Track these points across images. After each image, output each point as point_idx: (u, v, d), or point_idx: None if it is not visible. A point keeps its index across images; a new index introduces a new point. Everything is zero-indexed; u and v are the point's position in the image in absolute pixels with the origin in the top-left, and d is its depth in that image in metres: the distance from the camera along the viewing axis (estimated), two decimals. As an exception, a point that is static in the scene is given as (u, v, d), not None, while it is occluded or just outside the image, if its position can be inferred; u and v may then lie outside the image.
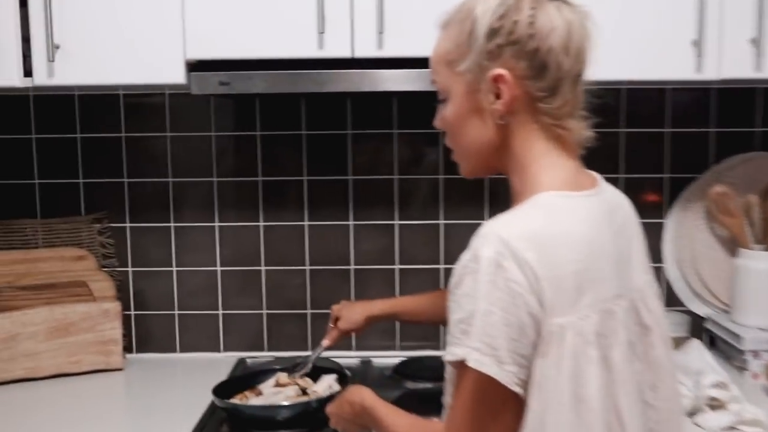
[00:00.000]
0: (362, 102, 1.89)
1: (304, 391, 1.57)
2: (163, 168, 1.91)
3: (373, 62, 1.53)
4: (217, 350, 1.96)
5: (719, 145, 1.89)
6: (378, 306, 1.56)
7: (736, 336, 1.74)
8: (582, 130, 1.00)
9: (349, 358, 1.88)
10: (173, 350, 1.96)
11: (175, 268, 1.94)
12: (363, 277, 1.94)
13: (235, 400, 1.54)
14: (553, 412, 0.87)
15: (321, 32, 1.52)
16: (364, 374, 1.80)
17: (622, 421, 0.92)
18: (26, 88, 1.60)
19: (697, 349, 1.66)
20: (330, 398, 1.37)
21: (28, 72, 1.55)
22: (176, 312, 1.96)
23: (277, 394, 1.55)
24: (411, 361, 1.86)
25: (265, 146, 1.91)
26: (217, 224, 1.93)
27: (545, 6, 0.95)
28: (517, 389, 0.87)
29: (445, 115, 1.02)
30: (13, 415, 1.58)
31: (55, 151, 1.92)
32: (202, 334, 1.96)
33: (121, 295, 1.90)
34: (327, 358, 1.75)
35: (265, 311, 1.96)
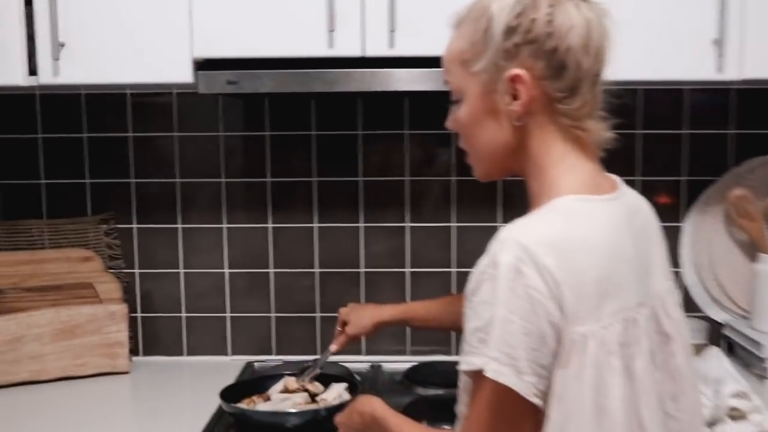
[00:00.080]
0: (373, 102, 1.87)
1: (312, 398, 1.55)
2: (170, 168, 1.90)
3: (384, 61, 1.51)
4: (225, 353, 1.95)
5: (739, 146, 1.85)
6: (387, 311, 1.54)
7: (756, 343, 1.70)
8: (601, 131, 0.97)
9: (358, 362, 1.86)
10: (180, 353, 1.95)
11: (182, 270, 1.93)
12: (373, 281, 1.92)
13: (243, 405, 1.52)
14: (574, 424, 0.85)
15: (331, 30, 1.50)
16: (373, 379, 1.78)
17: None
18: (32, 87, 1.58)
19: (716, 357, 1.63)
20: (339, 407, 1.36)
21: (32, 71, 1.54)
22: (183, 314, 1.94)
23: (285, 400, 1.53)
24: (422, 366, 1.84)
25: (274, 147, 1.89)
26: (225, 226, 1.92)
27: (563, 3, 0.92)
28: (536, 400, 0.85)
29: (459, 116, 1.00)
30: (17, 418, 1.57)
31: (61, 151, 1.90)
32: (210, 337, 1.95)
33: (128, 296, 1.89)
34: (336, 363, 1.74)
35: (273, 314, 1.94)
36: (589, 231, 0.90)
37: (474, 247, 1.93)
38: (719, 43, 1.48)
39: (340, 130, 1.88)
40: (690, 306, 1.87)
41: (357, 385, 1.58)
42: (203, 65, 1.54)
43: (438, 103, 1.88)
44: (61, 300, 1.81)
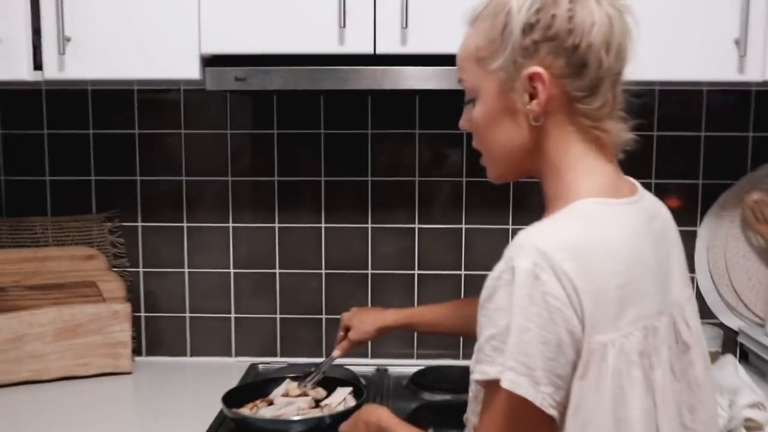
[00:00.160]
0: (384, 100, 1.85)
1: (317, 403, 1.52)
2: (176, 166, 1.88)
3: (395, 59, 1.48)
4: (229, 355, 1.93)
5: (757, 150, 1.82)
6: (391, 316, 1.51)
7: (772, 352, 1.67)
8: (621, 132, 0.95)
9: (364, 365, 1.84)
10: (184, 354, 1.93)
11: (187, 270, 1.91)
12: (381, 282, 1.89)
13: (245, 410, 1.50)
14: None
15: (342, 27, 1.47)
16: (379, 383, 1.75)
17: None
18: (38, 83, 1.56)
19: (732, 366, 1.59)
20: (344, 414, 1.33)
21: (38, 65, 1.52)
22: (187, 314, 1.92)
23: (288, 405, 1.50)
24: (429, 370, 1.81)
25: (282, 145, 1.87)
26: (231, 225, 1.89)
27: None
28: (552, 412, 0.82)
29: (474, 116, 0.97)
30: (17, 418, 1.56)
31: (67, 148, 1.89)
32: (214, 337, 1.92)
33: (132, 296, 1.87)
34: (341, 366, 1.72)
35: (278, 315, 1.92)
36: (608, 235, 0.87)
37: (484, 250, 1.94)
38: (740, 42, 1.44)
39: (350, 129, 1.86)
40: (704, 312, 1.83)
41: (362, 390, 1.55)
42: (211, 61, 1.52)
43: (449, 102, 1.85)
44: (64, 298, 1.80)
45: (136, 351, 1.89)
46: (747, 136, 1.82)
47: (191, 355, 1.93)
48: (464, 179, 1.86)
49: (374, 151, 1.86)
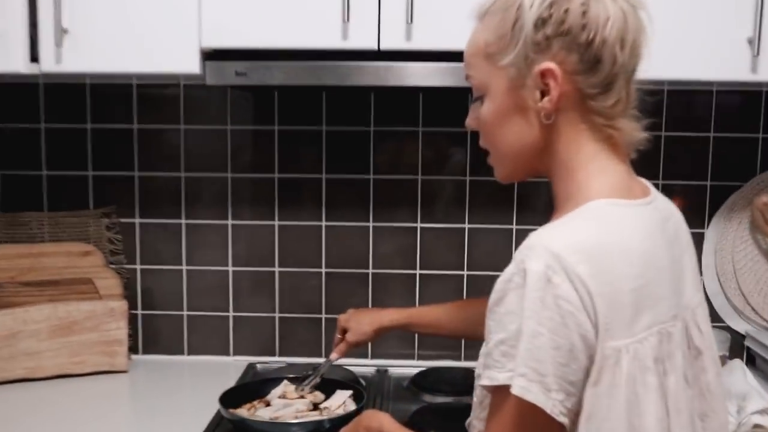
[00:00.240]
0: (387, 97, 1.82)
1: (315, 406, 1.50)
2: (175, 162, 1.86)
3: (399, 55, 1.45)
4: (227, 354, 1.91)
5: (767, 151, 1.80)
6: (389, 316, 1.48)
7: (780, 356, 1.64)
8: (634, 131, 0.93)
9: (364, 366, 1.82)
10: (181, 352, 1.91)
11: (185, 267, 1.88)
12: (382, 282, 1.87)
13: (243, 411, 1.47)
14: None
15: (345, 21, 1.44)
16: (379, 384, 1.73)
17: None
18: (35, 76, 1.53)
19: (740, 371, 1.57)
20: (343, 418, 1.31)
21: (34, 58, 1.49)
22: (185, 312, 1.90)
23: (287, 406, 1.47)
24: (430, 371, 1.79)
25: (283, 142, 1.84)
26: (230, 222, 1.87)
27: None
28: (563, 419, 0.80)
29: (482, 114, 0.94)
30: (11, 416, 1.54)
31: (64, 142, 1.86)
32: (212, 336, 1.90)
33: (128, 293, 1.85)
34: (340, 366, 1.70)
35: (277, 314, 1.90)
36: (622, 237, 0.85)
37: (487, 250, 1.92)
38: (754, 41, 1.42)
39: (352, 126, 1.84)
40: (711, 316, 1.78)
41: (362, 393, 1.52)
42: (211, 55, 1.49)
43: (453, 99, 1.82)
44: (60, 295, 1.77)
45: (133, 349, 1.87)
46: (757, 137, 1.80)
47: (188, 354, 1.91)
48: (467, 178, 1.83)
49: (376, 149, 1.84)
